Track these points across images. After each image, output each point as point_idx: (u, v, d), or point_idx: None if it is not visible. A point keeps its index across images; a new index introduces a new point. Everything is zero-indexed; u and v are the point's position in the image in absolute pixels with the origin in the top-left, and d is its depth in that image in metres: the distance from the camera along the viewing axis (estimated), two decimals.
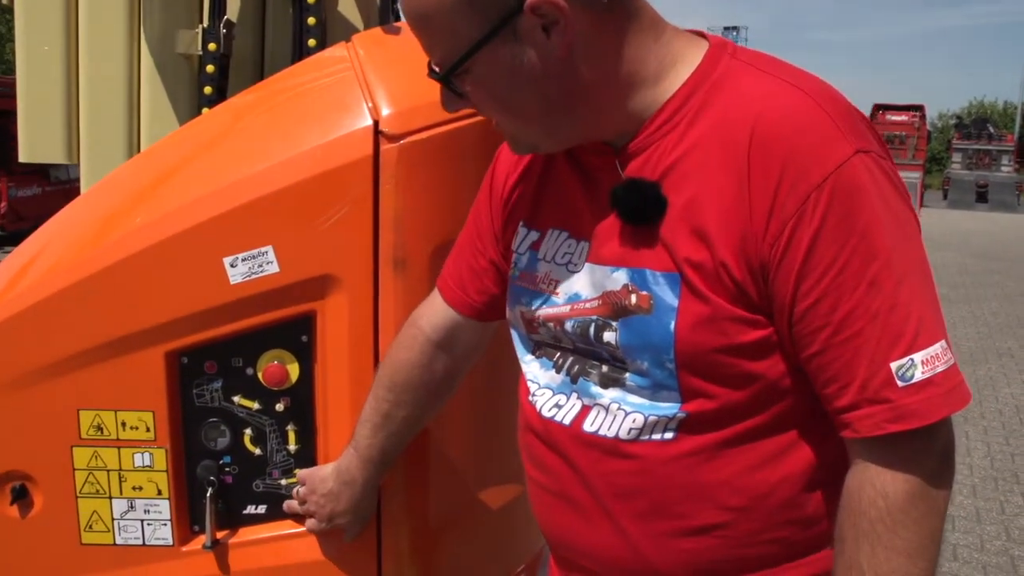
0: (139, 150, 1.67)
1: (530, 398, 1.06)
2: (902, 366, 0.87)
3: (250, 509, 1.26)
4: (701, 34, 1.00)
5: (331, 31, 1.56)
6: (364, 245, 1.14)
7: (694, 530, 0.98)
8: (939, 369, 0.87)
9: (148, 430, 1.22)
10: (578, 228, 1.02)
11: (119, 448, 1.22)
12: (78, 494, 1.24)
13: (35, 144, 1.69)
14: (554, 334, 1.03)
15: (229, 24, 1.51)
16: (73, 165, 1.72)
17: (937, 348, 0.87)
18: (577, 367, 1.02)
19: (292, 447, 1.24)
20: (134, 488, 1.24)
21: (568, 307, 1.01)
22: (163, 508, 1.24)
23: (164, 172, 1.26)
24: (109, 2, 1.62)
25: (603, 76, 0.94)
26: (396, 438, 1.16)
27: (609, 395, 0.99)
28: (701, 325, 0.91)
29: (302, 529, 1.23)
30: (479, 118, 1.18)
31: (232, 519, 1.26)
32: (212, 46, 1.49)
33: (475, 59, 0.90)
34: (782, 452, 0.97)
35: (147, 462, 1.23)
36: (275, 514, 1.26)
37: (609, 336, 0.96)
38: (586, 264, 1.00)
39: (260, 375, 1.21)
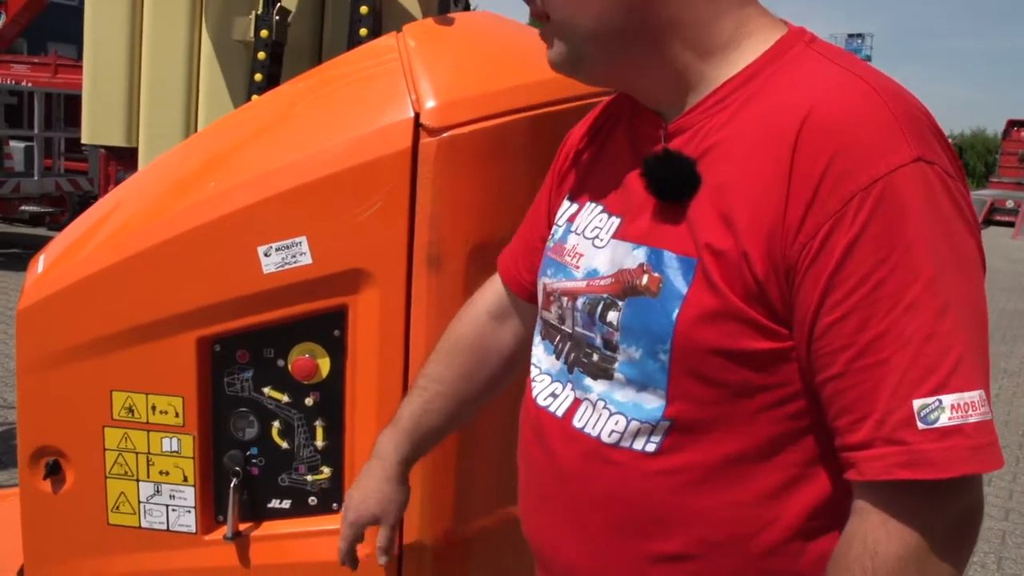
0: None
1: (530, 383, 1.01)
2: (926, 406, 0.75)
3: (274, 503, 1.24)
4: (785, 22, 0.93)
5: (388, 20, 1.54)
6: (399, 241, 1.11)
7: (664, 557, 0.90)
8: (971, 419, 0.75)
9: (177, 415, 1.21)
10: (613, 202, 0.96)
11: (148, 432, 1.22)
12: (108, 474, 1.24)
13: (97, 127, 1.71)
14: (562, 312, 0.97)
15: (283, 11, 1.50)
16: None
17: (974, 396, 0.76)
18: (573, 354, 0.96)
19: (319, 443, 1.22)
20: (161, 473, 1.23)
21: (584, 283, 0.95)
22: (188, 495, 1.23)
23: (207, 159, 1.25)
24: None
25: (677, 19, 0.87)
26: (437, 415, 1.10)
27: (598, 389, 0.92)
28: (706, 319, 0.83)
29: (326, 528, 1.21)
30: (527, 113, 1.14)
31: (256, 511, 1.24)
32: (264, 33, 1.48)
33: None
34: (780, 489, 0.86)
35: (175, 447, 1.22)
36: (299, 510, 1.24)
37: (613, 316, 0.90)
38: (611, 240, 0.93)
39: (291, 367, 1.19)
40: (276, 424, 1.22)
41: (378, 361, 1.16)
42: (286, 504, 1.24)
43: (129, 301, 1.18)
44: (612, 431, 0.90)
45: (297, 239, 1.12)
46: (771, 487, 0.86)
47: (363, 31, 1.43)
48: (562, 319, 0.97)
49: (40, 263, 1.30)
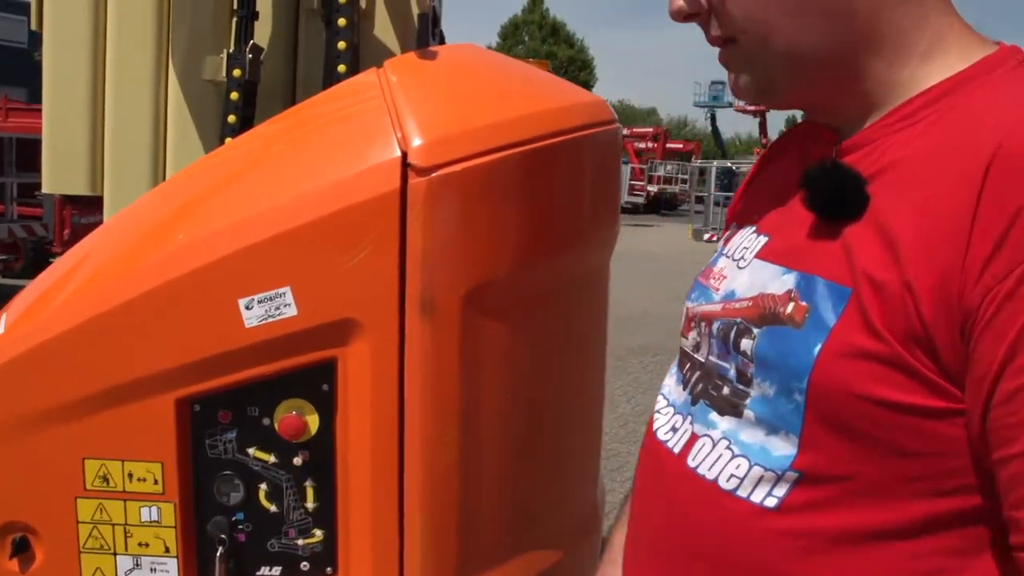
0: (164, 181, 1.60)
1: (655, 415, 0.92)
2: None
3: (264, 571, 1.16)
4: (997, 42, 0.84)
5: (365, 56, 1.48)
6: (389, 287, 1.05)
7: None
8: None
9: (156, 482, 1.13)
10: (767, 222, 0.89)
11: (125, 501, 1.14)
12: (81, 549, 1.16)
13: (58, 174, 1.64)
14: (699, 339, 0.89)
15: (256, 49, 1.44)
16: None
17: None
18: (701, 385, 0.87)
19: (310, 504, 1.14)
20: (140, 544, 1.15)
21: (721, 305, 0.87)
22: (170, 567, 1.15)
23: (179, 207, 1.18)
24: (137, 28, 1.57)
25: (876, 30, 0.79)
26: None
27: (722, 426, 0.82)
28: (853, 359, 0.71)
29: None
30: (519, 149, 1.09)
31: None
32: (237, 72, 1.41)
33: None
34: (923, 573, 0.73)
35: (155, 517, 1.14)
36: None
37: (746, 344, 0.80)
38: (753, 260, 0.85)
39: (277, 426, 1.12)
40: (263, 487, 1.14)
41: (371, 415, 1.10)
42: (276, 571, 1.16)
43: (100, 362, 1.11)
44: (731, 475, 0.79)
45: (280, 290, 1.05)
46: (910, 570, 0.74)
47: (342, 67, 1.37)
48: (697, 346, 0.89)
49: (1, 322, 1.22)
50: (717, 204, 17.84)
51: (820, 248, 0.78)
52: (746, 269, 0.86)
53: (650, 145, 36.10)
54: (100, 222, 1.52)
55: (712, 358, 0.86)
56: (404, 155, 1.04)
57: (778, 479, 0.77)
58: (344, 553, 1.15)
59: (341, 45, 1.37)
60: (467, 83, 1.19)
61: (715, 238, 16.45)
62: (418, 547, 1.12)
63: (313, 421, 1.12)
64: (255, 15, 1.47)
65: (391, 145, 1.05)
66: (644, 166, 35.16)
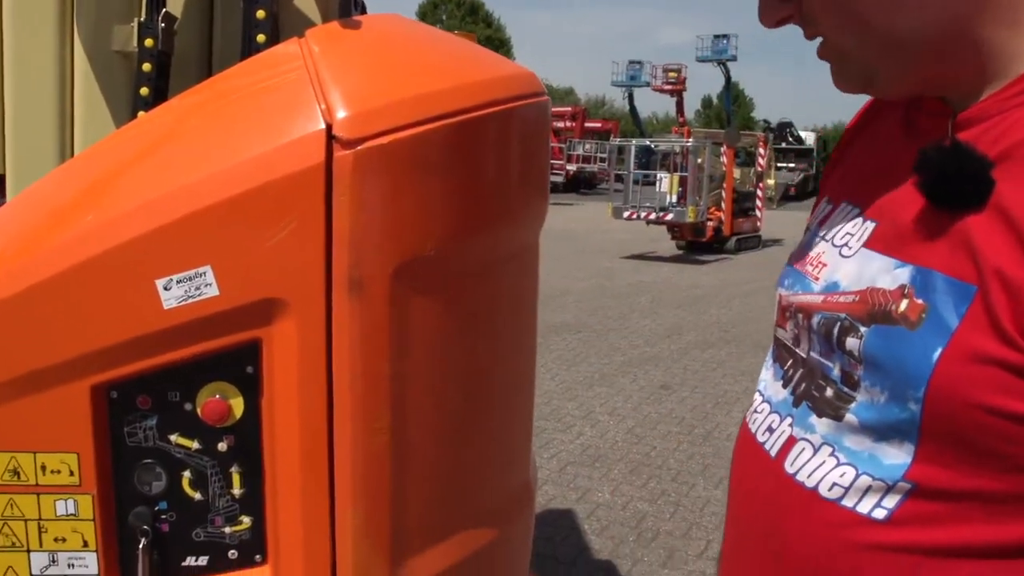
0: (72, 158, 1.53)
1: (750, 411, 0.86)
2: None
3: (190, 561, 1.12)
4: None
5: (285, 26, 1.43)
6: (315, 265, 1.01)
7: None
8: None
9: (72, 474, 1.08)
10: (872, 205, 0.80)
11: (38, 495, 1.08)
12: None
13: None
14: (797, 332, 0.82)
15: (169, 18, 1.37)
16: None
17: None
18: (804, 385, 0.80)
19: (236, 491, 1.10)
20: (56, 540, 1.09)
21: (822, 297, 0.79)
22: (90, 561, 1.10)
23: (89, 184, 1.12)
24: None
25: None
26: None
27: (822, 431, 0.76)
28: (980, 366, 0.65)
29: None
30: (448, 120, 1.06)
31: (169, 573, 1.12)
32: (149, 42, 1.35)
33: None
34: None
35: (71, 510, 1.09)
36: (217, 566, 1.12)
37: (852, 343, 0.74)
38: (861, 249, 0.77)
39: (199, 411, 1.07)
40: (186, 474, 1.10)
41: (298, 397, 1.06)
42: (203, 561, 1.12)
43: (8, 350, 1.05)
44: (835, 484, 0.75)
45: (200, 269, 1.01)
46: None
47: (260, 37, 1.31)
48: (797, 340, 0.83)
49: None
50: (636, 182, 17.97)
51: (936, 239, 0.71)
52: (852, 258, 0.79)
53: (568, 124, 36.30)
54: (1, 202, 1.44)
55: (815, 355, 0.79)
56: (329, 127, 1.00)
57: (888, 489, 0.72)
58: (273, 540, 1.11)
59: (260, 14, 1.31)
60: (393, 54, 1.15)
61: (635, 216, 16.59)
62: (350, 531, 1.09)
63: (237, 405, 1.08)
64: None
65: (315, 117, 1.01)
66: (563, 145, 35.31)
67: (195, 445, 1.09)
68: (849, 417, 0.75)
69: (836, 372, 0.77)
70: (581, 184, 35.68)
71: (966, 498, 0.69)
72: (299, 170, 0.99)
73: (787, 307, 0.85)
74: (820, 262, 0.83)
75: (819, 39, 0.82)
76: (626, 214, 17.00)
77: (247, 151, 1.02)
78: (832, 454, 0.76)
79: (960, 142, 0.72)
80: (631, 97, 29.31)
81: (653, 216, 16.71)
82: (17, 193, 1.53)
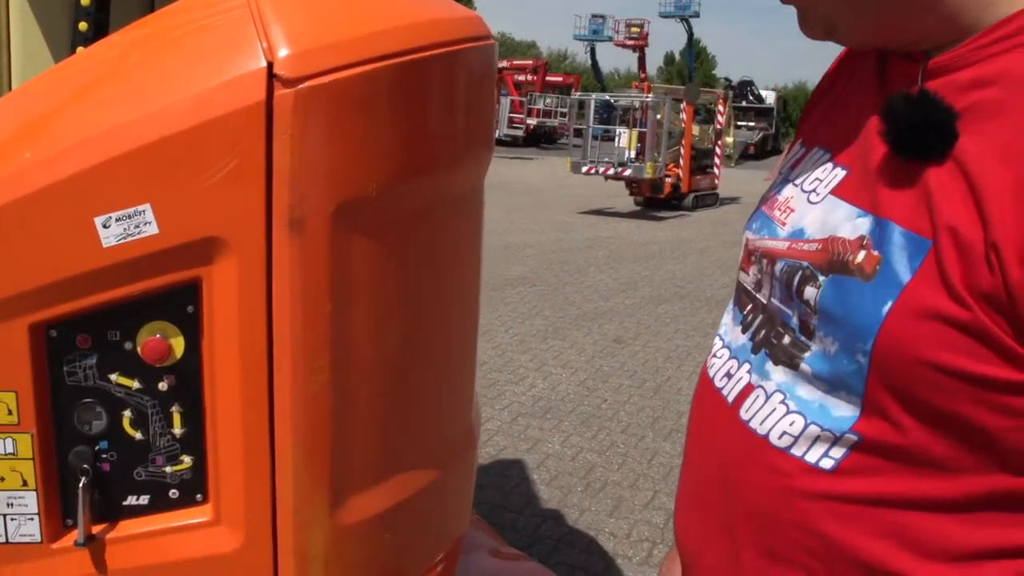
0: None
1: (710, 356, 0.86)
2: None
3: (131, 500, 1.13)
4: None
5: None
6: (255, 203, 1.01)
7: None
8: None
9: (11, 413, 1.07)
10: (843, 151, 0.79)
11: None
12: None
13: None
14: (759, 277, 0.81)
15: None
16: None
17: None
18: (763, 332, 0.80)
19: (177, 431, 1.11)
20: None
21: (787, 244, 0.78)
22: (29, 501, 1.10)
23: (26, 120, 1.10)
24: None
25: None
26: None
27: (777, 379, 0.77)
28: (927, 321, 0.65)
29: (188, 522, 1.11)
30: (391, 61, 1.05)
31: (110, 512, 1.12)
32: None
33: None
34: (972, 556, 0.67)
35: (10, 449, 1.09)
36: (158, 505, 1.13)
37: (811, 292, 0.73)
38: (828, 196, 0.76)
39: (140, 350, 1.07)
40: (127, 414, 1.10)
41: (239, 336, 1.06)
42: (144, 500, 1.13)
43: None
44: (784, 432, 0.75)
45: (140, 207, 1.00)
46: (962, 552, 0.69)
47: None
48: (759, 285, 0.82)
49: None
50: (595, 137, 17.96)
51: (899, 189, 0.70)
52: (819, 205, 0.78)
53: (529, 78, 36.05)
54: None
55: (775, 301, 0.79)
56: (270, 65, 1.00)
57: (836, 440, 0.72)
58: (214, 479, 1.12)
59: None
60: None
61: (593, 171, 16.61)
62: (290, 470, 1.10)
63: (178, 344, 1.08)
64: None
65: (256, 55, 1.00)
66: (523, 99, 35.09)
67: (135, 384, 1.09)
68: (804, 367, 0.75)
69: (795, 320, 0.76)
70: (541, 139, 35.56)
71: (911, 453, 0.69)
72: (239, 108, 0.98)
73: (753, 251, 0.85)
74: (788, 207, 0.82)
75: None
76: (584, 169, 17.00)
77: (187, 89, 1.01)
78: (783, 401, 0.76)
79: (927, 91, 0.71)
80: (593, 52, 29.15)
81: (611, 172, 16.73)
82: None
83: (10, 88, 1.51)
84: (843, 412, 0.72)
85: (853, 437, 0.72)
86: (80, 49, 1.36)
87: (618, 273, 10.11)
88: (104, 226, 1.01)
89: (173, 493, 1.13)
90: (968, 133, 0.68)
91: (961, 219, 0.65)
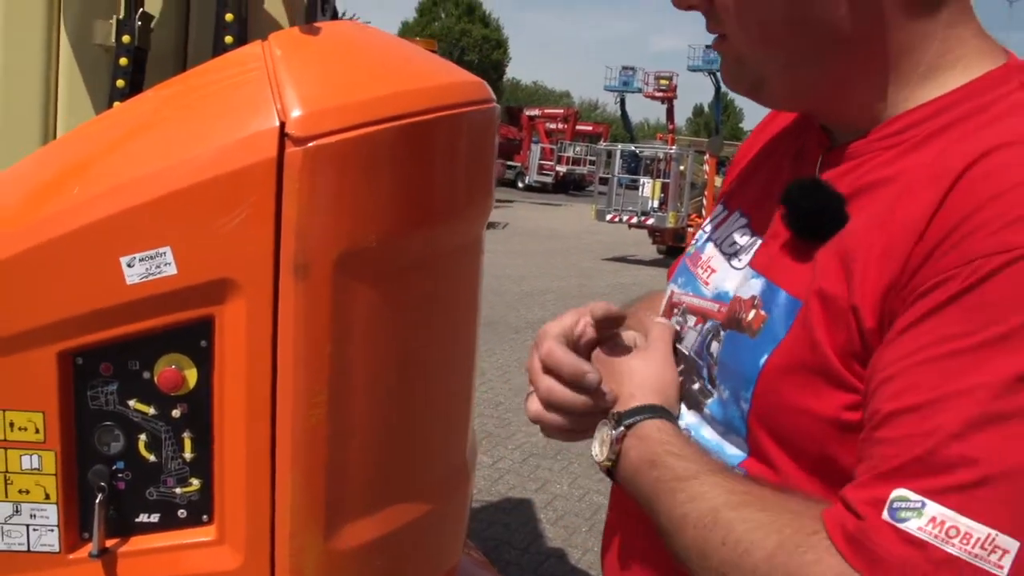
0: None
1: None
2: (905, 500, 0.62)
3: (143, 517, 1.22)
4: (1008, 53, 0.81)
5: (254, 28, 1.52)
6: (265, 250, 1.11)
7: None
8: (957, 551, 0.60)
9: (38, 431, 1.17)
10: (759, 219, 0.87)
11: (6, 449, 1.18)
12: None
13: None
14: (681, 329, 0.90)
15: (146, 16, 1.47)
16: None
17: (980, 533, 0.60)
18: (682, 378, 0.88)
19: (187, 455, 1.20)
20: (20, 491, 1.19)
21: (709, 303, 0.87)
22: (50, 513, 1.20)
23: (67, 167, 1.22)
24: None
25: (878, 30, 0.76)
26: None
27: (687, 420, 0.85)
28: (793, 373, 0.73)
29: (194, 541, 1.20)
30: (394, 123, 1.15)
31: (123, 527, 1.21)
32: (126, 38, 1.44)
33: None
34: None
35: (35, 464, 1.18)
36: (168, 523, 1.22)
37: (715, 347, 0.83)
38: (747, 266, 0.84)
39: (156, 379, 1.17)
40: (143, 437, 1.19)
41: (246, 370, 1.16)
42: (154, 518, 1.22)
43: None
44: None
45: (161, 249, 1.11)
46: None
47: (228, 38, 1.41)
48: (679, 336, 0.90)
49: None
50: (621, 186, 18.13)
51: (793, 259, 0.78)
52: (740, 272, 0.85)
53: (560, 126, 36.31)
54: None
55: (692, 354, 0.87)
56: (282, 125, 1.10)
57: None
58: (219, 502, 1.21)
59: (228, 17, 1.41)
60: (348, 59, 1.25)
61: (617, 219, 16.71)
62: (288, 497, 1.18)
63: (191, 375, 1.17)
64: None
65: (270, 115, 1.11)
66: (554, 146, 35.33)
67: (151, 411, 1.18)
68: (706, 411, 0.85)
69: (704, 371, 0.86)
70: (571, 185, 35.80)
71: (789, 490, 0.76)
72: (253, 163, 1.09)
73: (676, 304, 0.95)
74: (709, 266, 0.91)
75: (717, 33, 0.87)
76: (609, 217, 17.14)
77: (208, 143, 1.12)
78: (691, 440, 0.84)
79: (820, 180, 0.80)
80: (623, 102, 29.45)
81: (635, 220, 16.85)
82: (2, 170, 1.62)
83: (55, 136, 1.64)
84: (734, 452, 0.82)
85: (740, 472, 0.79)
86: (117, 104, 1.49)
87: None
88: (129, 265, 1.11)
89: (181, 513, 1.21)
90: (856, 215, 0.76)
91: (831, 284, 0.73)
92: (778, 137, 0.98)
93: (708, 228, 0.96)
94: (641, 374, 0.88)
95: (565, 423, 0.91)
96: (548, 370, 0.88)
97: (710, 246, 0.94)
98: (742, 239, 0.89)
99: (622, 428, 0.83)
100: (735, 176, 1.02)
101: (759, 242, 0.86)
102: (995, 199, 0.66)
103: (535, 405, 0.91)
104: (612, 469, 0.84)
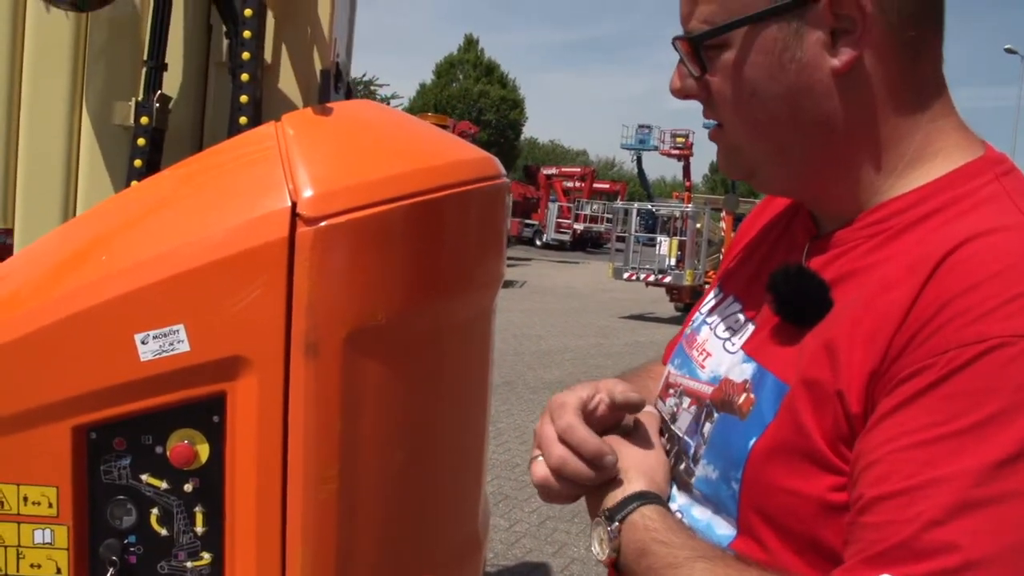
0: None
1: None
2: None
3: None
4: (985, 145, 0.85)
5: (270, 108, 1.57)
6: (276, 328, 1.13)
7: None
8: None
9: (51, 506, 1.18)
10: (752, 304, 0.90)
11: (19, 523, 1.19)
12: None
13: None
14: (676, 411, 0.92)
15: (163, 98, 1.52)
16: None
17: None
18: (673, 461, 0.90)
19: (199, 529, 1.21)
20: (32, 566, 1.20)
21: (710, 388, 0.88)
22: None
23: (84, 245, 1.25)
24: (52, 69, 1.63)
25: (869, 126, 0.80)
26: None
27: (680, 501, 0.87)
28: (780, 455, 0.75)
29: None
30: (404, 202, 1.18)
31: None
32: (144, 119, 1.49)
33: (743, 34, 0.79)
34: None
35: (48, 539, 1.19)
36: None
37: (708, 427, 0.85)
38: (739, 350, 0.87)
39: (169, 454, 1.19)
40: (155, 511, 1.20)
41: (257, 445, 1.17)
42: None
43: (1, 391, 1.16)
44: None
45: (175, 327, 1.13)
46: None
47: (243, 119, 1.45)
48: (674, 417, 0.92)
49: None
50: (638, 243, 18.20)
51: (781, 344, 0.81)
52: (734, 356, 0.88)
53: (577, 185, 36.53)
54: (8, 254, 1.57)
55: (686, 436, 0.89)
56: (294, 205, 1.13)
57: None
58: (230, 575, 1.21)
59: (243, 99, 1.45)
60: (359, 138, 1.28)
61: (634, 277, 16.72)
62: (298, 572, 1.19)
63: (203, 450, 1.19)
64: (164, 66, 1.55)
65: (283, 195, 1.14)
66: (571, 205, 35.52)
67: (164, 485, 1.20)
68: (695, 491, 0.86)
69: (692, 449, 0.88)
70: (588, 243, 35.93)
71: (777, 570, 0.77)
72: (265, 243, 1.12)
73: (673, 384, 0.96)
74: (705, 350, 0.93)
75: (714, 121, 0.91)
76: (626, 275, 17.16)
77: (221, 223, 1.15)
78: (681, 520, 0.85)
79: (804, 268, 0.83)
80: (639, 160, 29.68)
81: (652, 278, 16.88)
82: (24, 246, 1.66)
83: (76, 212, 1.68)
84: (724, 531, 0.82)
85: (731, 552, 0.80)
86: (134, 183, 1.53)
87: None
88: (142, 342, 1.13)
89: None
90: (840, 301, 0.79)
91: (817, 370, 0.75)
92: (772, 222, 1.01)
93: (704, 311, 0.99)
94: (629, 459, 0.89)
95: (571, 492, 0.92)
96: (564, 442, 0.89)
97: (706, 329, 0.96)
98: (736, 323, 0.91)
99: (616, 523, 0.85)
100: (732, 258, 1.05)
101: (752, 327, 0.88)
102: (971, 290, 0.69)
103: (543, 471, 0.92)
104: (616, 563, 0.85)
